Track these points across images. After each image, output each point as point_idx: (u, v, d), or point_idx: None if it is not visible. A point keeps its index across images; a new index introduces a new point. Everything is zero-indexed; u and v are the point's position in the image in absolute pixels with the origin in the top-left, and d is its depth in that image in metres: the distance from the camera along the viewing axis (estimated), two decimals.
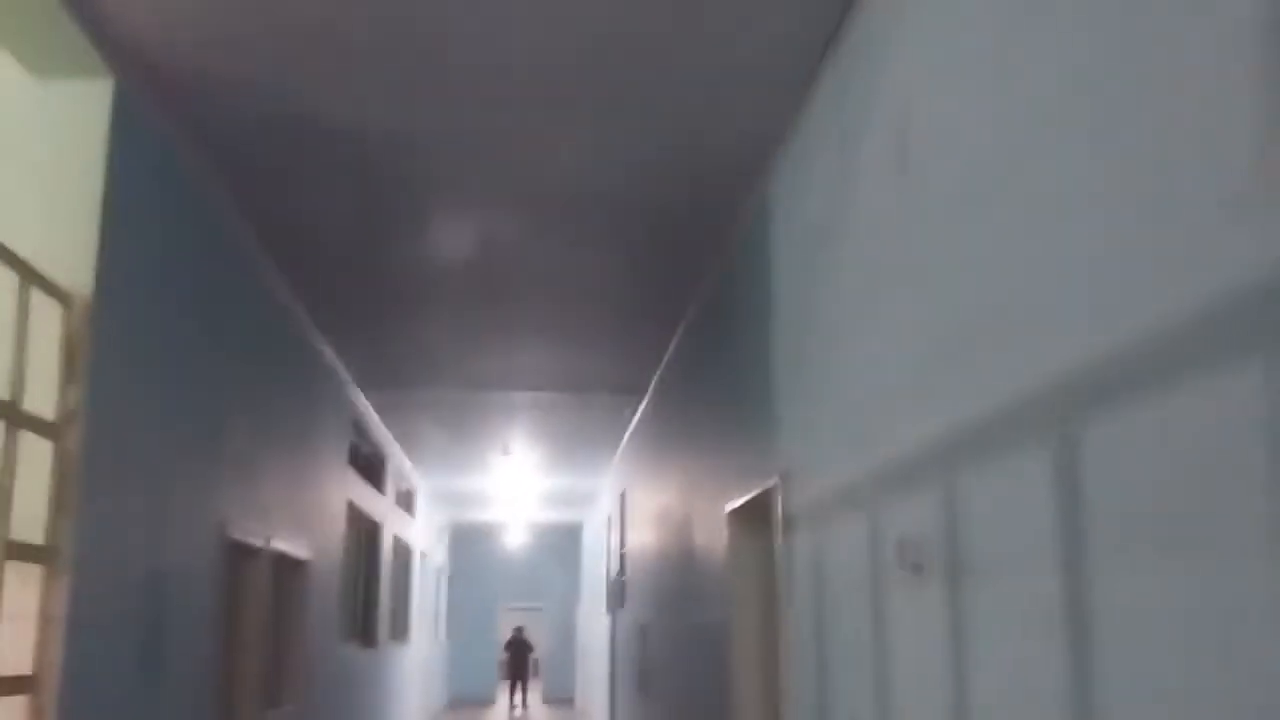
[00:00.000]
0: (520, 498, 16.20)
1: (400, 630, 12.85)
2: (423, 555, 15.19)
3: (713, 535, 5.79)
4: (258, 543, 5.74)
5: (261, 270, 5.73)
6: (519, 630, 21.94)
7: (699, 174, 4.78)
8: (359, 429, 9.30)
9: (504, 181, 4.97)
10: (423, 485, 14.51)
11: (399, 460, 12.04)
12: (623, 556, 11.93)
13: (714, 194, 4.96)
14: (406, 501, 13.52)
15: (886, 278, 3.08)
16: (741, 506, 5.00)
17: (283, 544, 6.32)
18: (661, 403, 8.33)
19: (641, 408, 9.59)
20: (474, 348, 7.80)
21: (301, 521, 6.93)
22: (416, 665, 14.75)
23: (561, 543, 22.39)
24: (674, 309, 6.66)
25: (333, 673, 8.15)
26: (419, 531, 14.45)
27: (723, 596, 5.46)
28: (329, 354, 7.68)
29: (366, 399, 9.28)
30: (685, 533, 6.88)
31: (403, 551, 13.09)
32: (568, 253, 5.83)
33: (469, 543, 22.12)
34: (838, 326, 3.56)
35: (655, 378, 8.49)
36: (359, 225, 5.40)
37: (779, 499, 4.23)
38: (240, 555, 5.76)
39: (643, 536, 9.65)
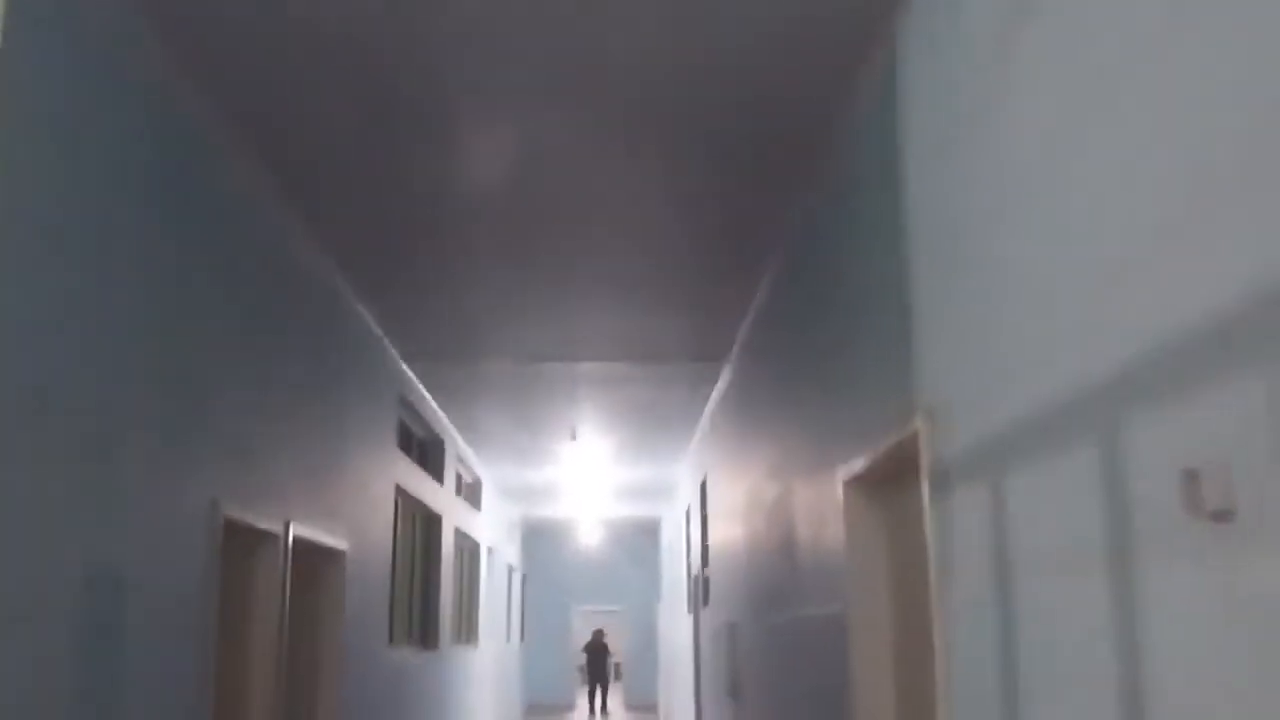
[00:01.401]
0: (593, 489, 15.19)
1: (467, 632, 11.92)
2: (491, 552, 14.26)
3: (821, 512, 4.67)
4: (270, 526, 4.77)
5: (268, 207, 4.78)
6: (598, 633, 20.98)
7: (801, 46, 3.67)
8: (408, 407, 8.34)
9: (550, 77, 3.92)
10: (488, 477, 13.58)
11: (459, 447, 11.10)
12: (705, 550, 10.82)
13: (819, 73, 3.85)
14: (471, 494, 12.59)
15: (1084, 132, 1.95)
16: (864, 471, 3.87)
17: (307, 529, 5.36)
18: (749, 366, 7.21)
19: (723, 379, 8.47)
20: (527, 307, 6.76)
21: (334, 505, 5.97)
22: (487, 669, 13.82)
23: (638, 539, 21.36)
24: (764, 240, 5.53)
25: (380, 679, 7.19)
26: (486, 526, 13.53)
27: (836, 585, 4.33)
28: (365, 316, 6.72)
29: (415, 374, 8.31)
30: (782, 515, 5.75)
31: (468, 547, 12.17)
32: (631, 170, 4.75)
33: (542, 541, 21.22)
34: (1017, 201, 2.43)
35: (739, 338, 7.37)
36: (375, 145, 4.39)
37: (925, 449, 3.10)
38: (245, 541, 4.80)
39: (727, 527, 8.54)
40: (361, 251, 5.69)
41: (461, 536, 11.67)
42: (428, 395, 9.06)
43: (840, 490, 4.19)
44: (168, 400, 3.71)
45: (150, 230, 3.57)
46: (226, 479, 4.30)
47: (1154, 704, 1.82)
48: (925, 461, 3.10)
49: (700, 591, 11.14)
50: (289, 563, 5.08)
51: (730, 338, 7.41)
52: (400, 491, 8.12)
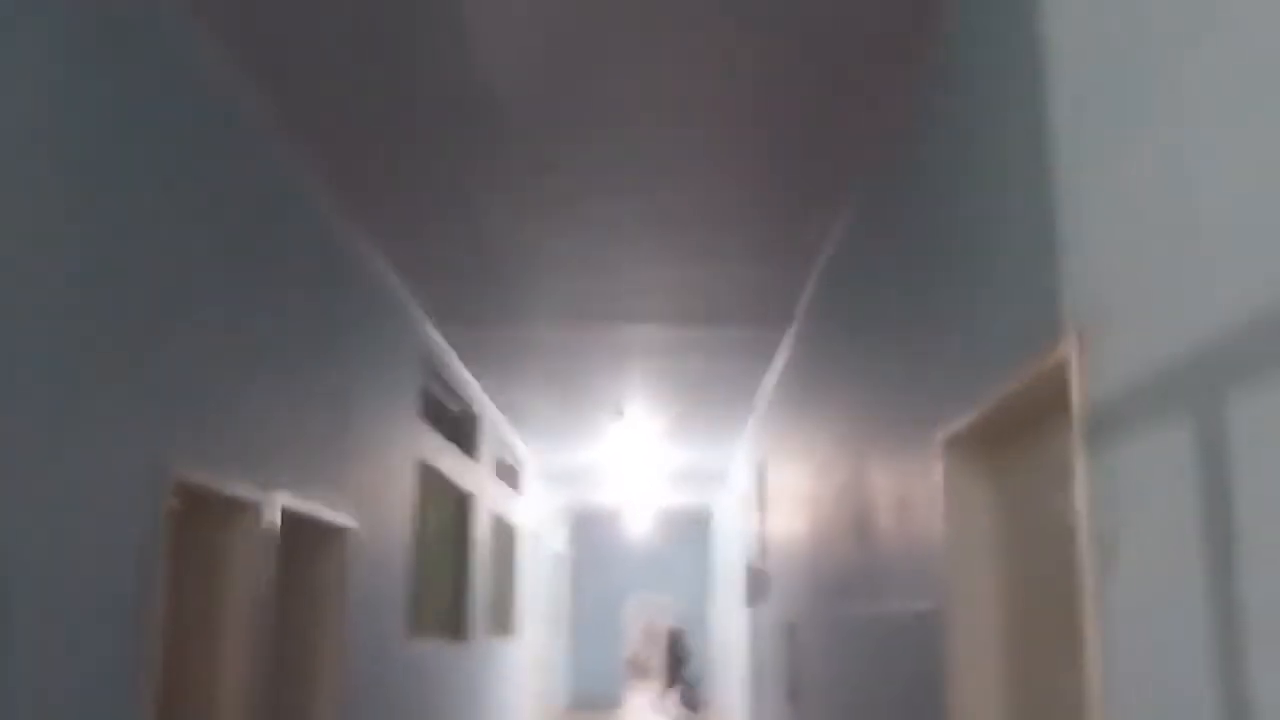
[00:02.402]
0: (641, 474, 14.36)
1: (503, 622, 11.17)
2: (533, 539, 13.51)
3: (908, 487, 3.78)
4: (246, 494, 4.01)
5: (260, 132, 4.00)
6: (675, 631, 20.34)
7: None
8: (435, 375, 7.57)
9: None
10: (530, 459, 12.82)
11: (496, 424, 10.33)
12: (762, 541, 9.94)
13: None
14: (511, 476, 11.83)
15: None
16: (973, 426, 2.99)
17: (301, 501, 4.59)
18: (815, 330, 6.32)
19: (784, 349, 7.58)
20: (568, 259, 5.94)
21: (338, 477, 5.21)
22: (528, 663, 13.07)
23: (689, 529, 20.51)
24: (843, 167, 4.64)
25: (398, 673, 6.43)
26: (528, 511, 12.77)
27: (928, 576, 3.46)
28: (379, 265, 5.95)
29: (443, 339, 7.54)
30: (855, 496, 4.87)
31: (505, 532, 11.41)
32: (688, 79, 3.90)
33: (590, 530, 20.46)
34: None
35: (805, 298, 6.47)
36: (385, 50, 3.59)
37: (1076, 381, 2.21)
38: (213, 512, 4.04)
39: (787, 514, 7.66)
40: (369, 187, 4.92)
41: (499, 521, 10.92)
42: (459, 365, 8.29)
43: (938, 455, 3.31)
44: (97, 329, 2.94)
45: (100, 129, 2.79)
46: (183, 435, 3.54)
47: None
48: (1077, 399, 2.21)
49: (757, 585, 10.27)
50: (274, 539, 4.32)
51: (794, 298, 6.52)
52: (425, 468, 7.36)
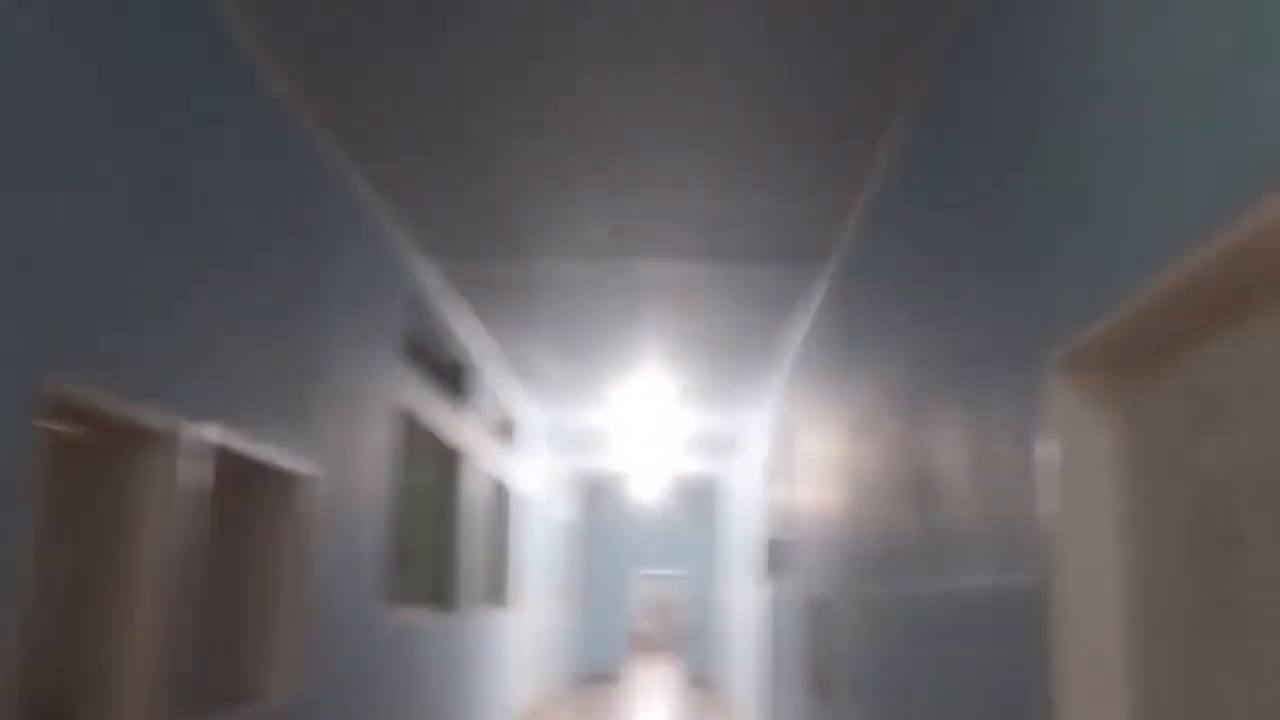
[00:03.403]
0: (652, 440, 13.53)
1: (498, 592, 10.40)
2: (534, 505, 12.73)
3: (994, 432, 2.94)
4: (162, 424, 3.20)
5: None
6: None
7: None
8: (421, 314, 6.74)
9: None
10: (532, 418, 12.00)
11: (494, 379, 9.51)
12: (784, 510, 9.12)
13: None
14: (509, 434, 11.03)
15: None
16: (1108, 334, 2.16)
17: (238, 439, 3.78)
18: (860, 261, 5.46)
19: (819, 291, 6.72)
20: (572, 177, 5.09)
21: (294, 415, 4.40)
22: (527, 635, 12.32)
23: (702, 500, 19.73)
24: (897, 65, 3.77)
25: (374, 643, 5.64)
26: (528, 474, 11.97)
27: (1024, 542, 2.63)
28: (356, 182, 5.10)
29: (432, 272, 6.70)
30: (911, 452, 4.03)
31: (502, 496, 10.62)
32: None
33: (596, 498, 19.70)
34: None
35: (850, 226, 5.61)
36: None
37: None
38: (118, 444, 3.23)
39: (816, 480, 6.83)
40: (345, 91, 4.07)
41: (494, 483, 10.12)
42: (451, 307, 7.46)
43: (1045, 386, 2.47)
44: None
45: None
46: (73, 345, 2.73)
47: None
48: None
49: (777, 558, 9.46)
50: (201, 480, 3.52)
51: (832, 231, 5.66)
52: (406, 418, 6.54)
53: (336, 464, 4.94)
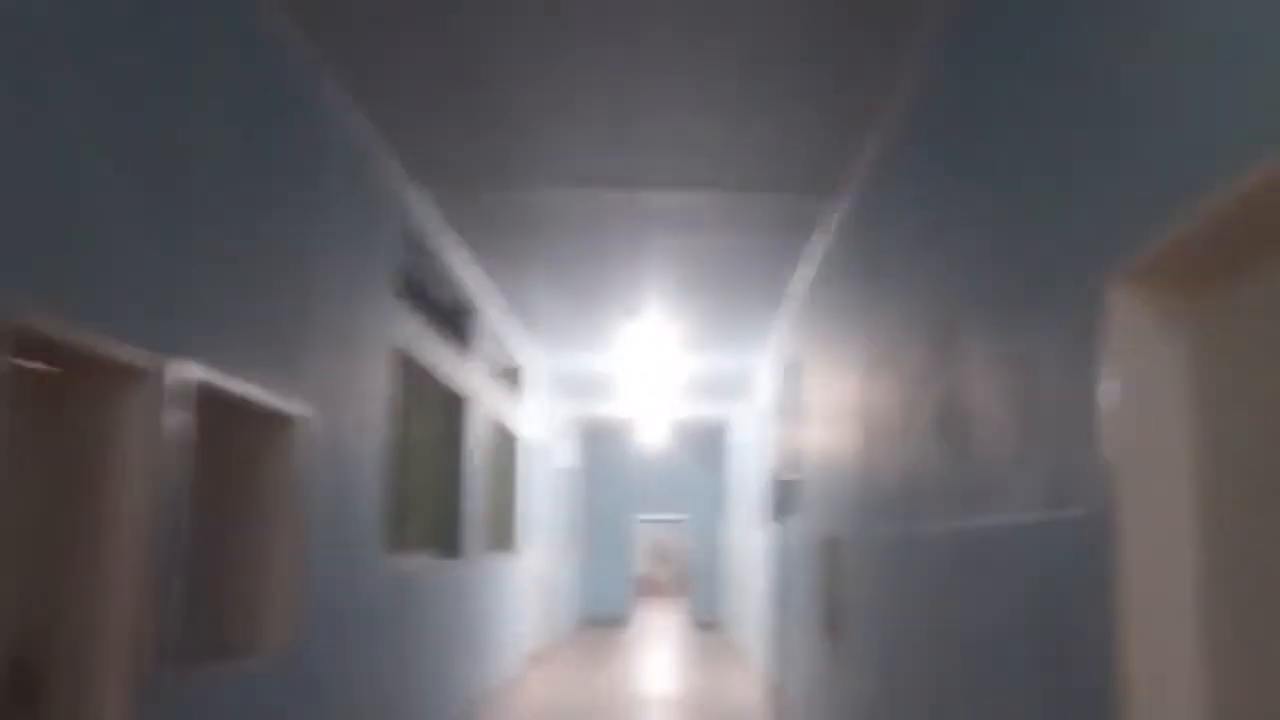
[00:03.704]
0: (656, 383, 13.33)
1: (504, 538, 10.26)
2: (538, 450, 12.57)
3: (1039, 355, 2.72)
4: (134, 359, 2.97)
5: None
6: None
7: None
8: (417, 249, 6.49)
9: None
10: (535, 362, 11.78)
11: (495, 320, 9.27)
12: (791, 450, 8.94)
13: None
14: (512, 379, 10.82)
15: None
16: (1175, 244, 1.93)
17: (225, 378, 3.56)
18: (884, 184, 5.20)
19: (834, 220, 6.46)
20: (571, 99, 4.80)
21: (284, 354, 4.18)
22: (533, 581, 12.22)
23: (706, 444, 19.59)
24: None
25: (372, 591, 5.47)
26: (532, 420, 11.78)
27: (1076, 470, 2.41)
28: (344, 107, 4.82)
29: (427, 203, 6.43)
30: (938, 382, 3.81)
31: (505, 441, 10.44)
32: None
33: (600, 443, 19.56)
34: None
35: (869, 149, 5.33)
36: None
37: None
38: (93, 380, 3.01)
39: (827, 417, 6.62)
40: (325, 5, 3.78)
41: (498, 429, 9.93)
42: (448, 242, 7.20)
43: (1103, 301, 2.24)
44: None
45: None
46: (39, 274, 2.49)
47: None
48: None
49: (783, 499, 9.30)
50: (181, 423, 3.30)
51: (848, 156, 5.39)
52: (404, 359, 6.32)
53: (330, 405, 4.73)
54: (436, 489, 7.46)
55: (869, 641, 5.05)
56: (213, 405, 3.77)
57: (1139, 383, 2.19)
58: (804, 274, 7.66)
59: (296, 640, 4.27)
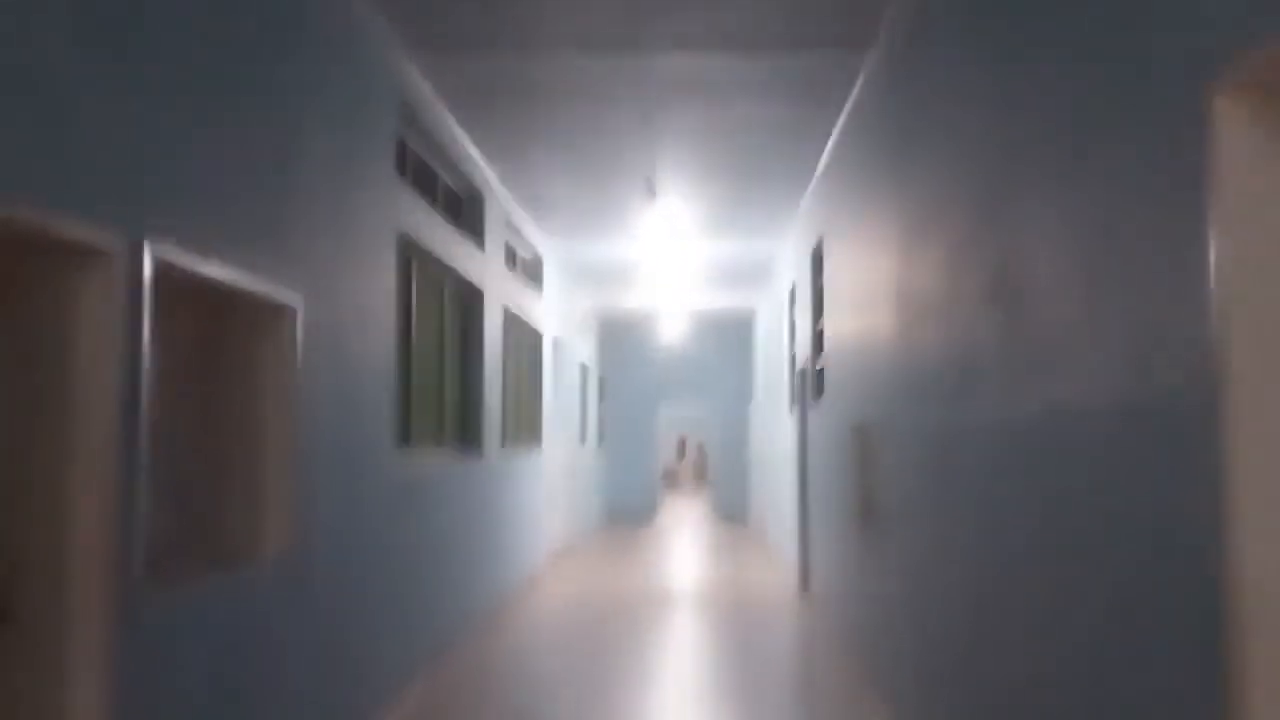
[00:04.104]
0: (677, 272, 12.94)
1: (526, 435, 10.04)
2: (558, 344, 12.28)
3: (1121, 200, 2.32)
4: (93, 238, 2.63)
5: None
6: None
7: None
8: (413, 123, 6.08)
9: None
10: (551, 253, 11.41)
11: (506, 207, 8.87)
12: (819, 333, 8.59)
13: None
14: (530, 272, 10.47)
15: None
16: None
17: (203, 261, 3.22)
18: (924, 30, 4.72)
19: (862, 78, 5.98)
20: None
21: (269, 237, 3.83)
22: (555, 477, 12.07)
23: (729, 335, 19.27)
24: None
25: (383, 489, 5.23)
26: (551, 314, 11.47)
27: (1171, 337, 2.05)
28: None
29: (424, 74, 5.99)
30: (989, 245, 3.43)
31: (523, 334, 10.14)
32: None
33: (622, 338, 19.27)
34: None
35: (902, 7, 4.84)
36: None
37: None
38: (42, 262, 2.68)
39: (861, 298, 6.25)
40: None
41: (516, 322, 9.61)
42: (450, 126, 6.77)
43: (1208, 127, 1.84)
44: None
45: None
46: None
47: None
48: None
49: (809, 385, 8.99)
50: (146, 305, 2.98)
51: (880, 5, 4.90)
52: (409, 244, 5.96)
53: (328, 294, 4.40)
54: (454, 385, 7.18)
55: (904, 536, 4.77)
56: (197, 293, 3.44)
57: (1254, 222, 1.82)
58: (830, 141, 7.20)
59: (297, 546, 4.03)
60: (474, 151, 7.43)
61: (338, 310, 4.55)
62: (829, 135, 7.04)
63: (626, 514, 19.28)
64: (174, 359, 3.68)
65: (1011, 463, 3.16)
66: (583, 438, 15.22)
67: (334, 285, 4.51)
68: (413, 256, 6.06)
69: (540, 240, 10.58)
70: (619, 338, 19.29)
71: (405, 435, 5.93)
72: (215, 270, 3.34)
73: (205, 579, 3.38)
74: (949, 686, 3.95)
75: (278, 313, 3.95)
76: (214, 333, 3.87)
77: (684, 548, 13.97)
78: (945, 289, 3.99)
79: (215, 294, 3.66)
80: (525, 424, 10.03)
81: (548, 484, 11.39)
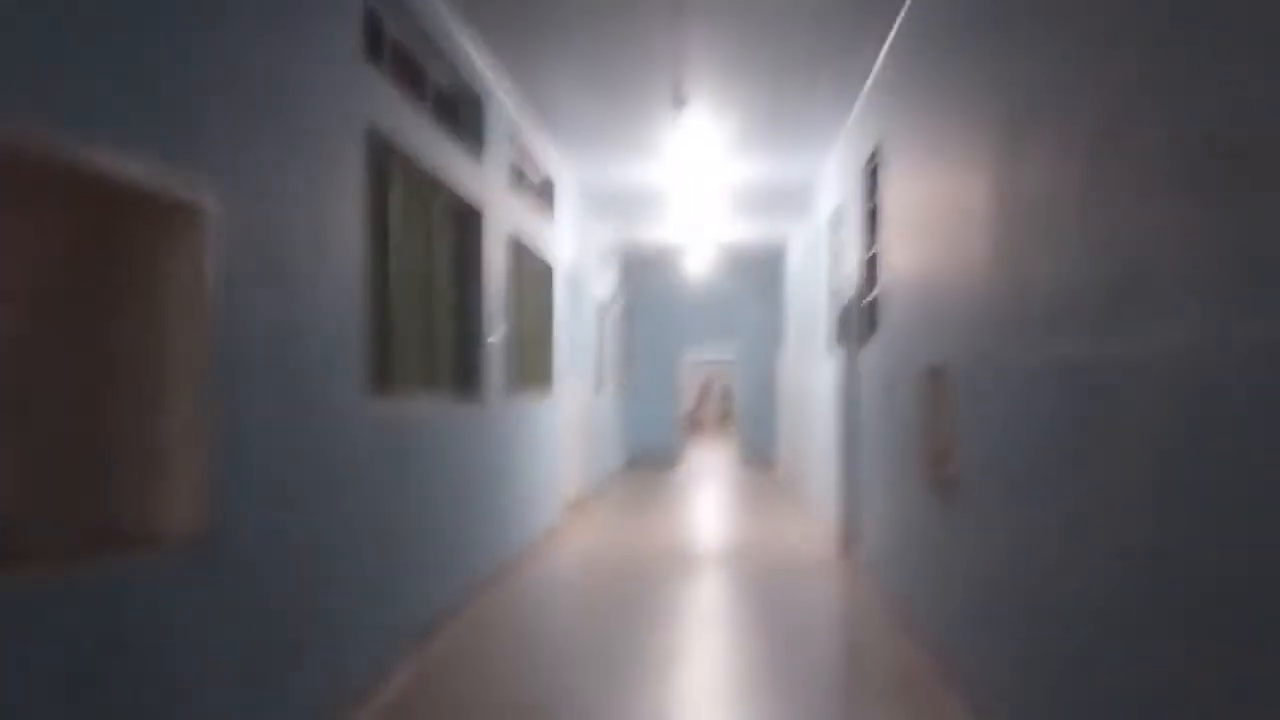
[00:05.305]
0: (705, 196, 11.82)
1: (538, 377, 9.04)
2: (576, 279, 11.23)
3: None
4: None
5: None
6: None
7: None
8: (396, 8, 5.01)
9: None
10: (565, 175, 10.31)
11: (512, 117, 7.78)
12: (869, 261, 7.51)
13: None
14: (540, 195, 9.40)
15: None
16: None
17: (59, 140, 2.21)
18: None
19: None
20: None
21: (169, 113, 2.81)
22: (571, 423, 11.10)
23: (759, 272, 18.17)
24: None
25: (335, 447, 4.25)
26: (565, 244, 10.40)
27: None
28: None
29: None
30: (1173, 103, 2.36)
31: (537, 267, 9.08)
32: None
33: (643, 273, 18.21)
34: None
35: None
36: None
37: None
38: None
39: (930, 218, 5.18)
40: None
41: (528, 252, 8.57)
42: (443, 7, 5.68)
43: None
44: None
45: None
46: None
47: None
48: None
49: (854, 326, 7.93)
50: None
51: None
52: (385, 146, 4.93)
53: (257, 193, 3.38)
54: (446, 321, 6.17)
55: (1006, 503, 3.75)
56: (68, 192, 2.44)
57: None
58: (894, 38, 6.07)
59: (216, 527, 3.06)
60: (472, 49, 6.34)
61: (278, 219, 3.53)
62: (892, 21, 5.90)
63: (649, 458, 18.38)
64: (34, 277, 2.69)
65: (1214, 413, 2.13)
66: (601, 380, 14.24)
67: (270, 185, 3.48)
68: (389, 162, 5.02)
69: (553, 159, 9.48)
70: (642, 273, 18.23)
71: (383, 379, 4.95)
72: (81, 154, 2.32)
73: (61, 568, 2.43)
74: (1075, 692, 2.96)
75: (183, 216, 2.94)
76: (96, 246, 2.87)
77: (709, 496, 13.04)
78: (1084, 184, 2.92)
79: (90, 192, 2.65)
80: (536, 366, 9.03)
81: (563, 431, 10.42)
